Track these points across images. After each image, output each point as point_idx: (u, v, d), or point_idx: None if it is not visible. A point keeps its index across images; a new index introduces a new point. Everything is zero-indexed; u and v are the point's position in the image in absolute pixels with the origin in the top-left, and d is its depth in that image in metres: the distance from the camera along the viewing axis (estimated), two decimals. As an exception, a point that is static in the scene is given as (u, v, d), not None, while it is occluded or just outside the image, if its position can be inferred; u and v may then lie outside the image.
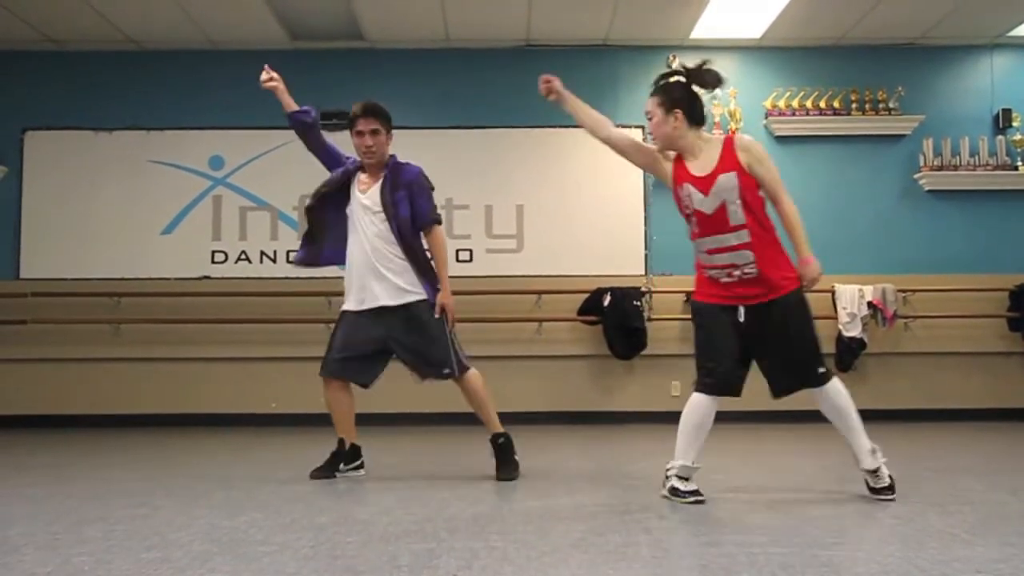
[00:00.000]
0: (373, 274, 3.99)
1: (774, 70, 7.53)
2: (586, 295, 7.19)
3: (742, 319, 3.27)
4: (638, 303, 7.10)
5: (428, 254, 4.09)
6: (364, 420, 4.28)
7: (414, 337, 4.01)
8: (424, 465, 4.34)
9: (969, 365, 7.24)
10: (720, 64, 8.30)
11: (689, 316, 6.99)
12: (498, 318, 7.10)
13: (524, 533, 2.77)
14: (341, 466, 4.13)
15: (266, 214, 7.36)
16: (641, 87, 7.46)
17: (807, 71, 7.46)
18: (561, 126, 7.33)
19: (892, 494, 3.27)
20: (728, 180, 3.23)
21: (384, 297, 3.98)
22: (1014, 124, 7.37)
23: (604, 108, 7.20)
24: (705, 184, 3.26)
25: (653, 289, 7.25)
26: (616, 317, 7.08)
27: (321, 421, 7.09)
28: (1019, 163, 7.35)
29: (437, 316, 3.99)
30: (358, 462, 4.19)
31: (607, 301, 7.11)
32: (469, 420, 4.38)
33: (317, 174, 4.19)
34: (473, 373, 4.09)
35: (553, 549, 2.54)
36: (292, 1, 6.68)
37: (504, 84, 7.41)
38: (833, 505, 3.21)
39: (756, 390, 3.40)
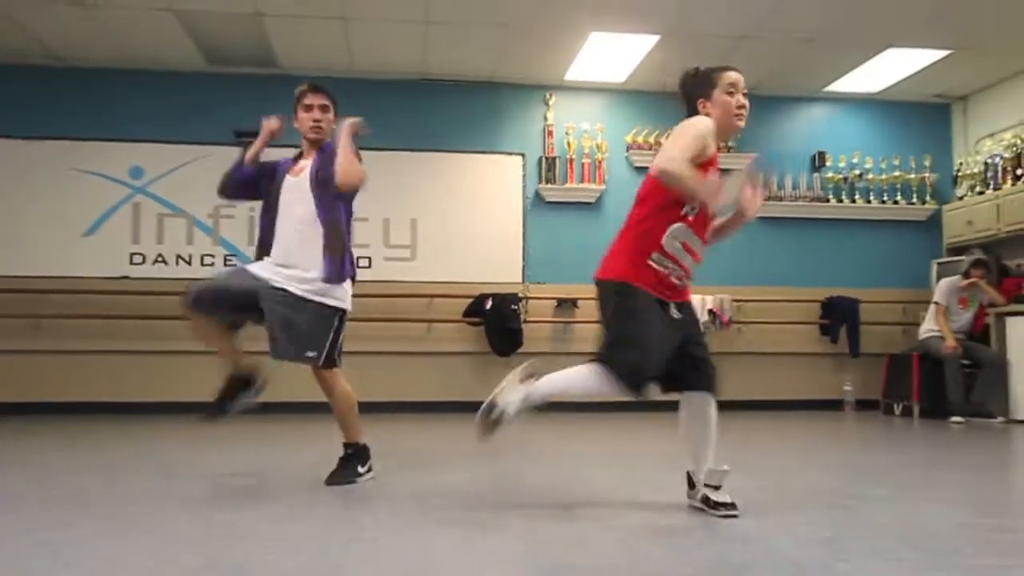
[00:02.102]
0: (294, 258, 3.66)
1: (635, 110, 8.45)
2: (471, 299, 7.80)
3: (676, 316, 3.01)
4: (515, 307, 7.68)
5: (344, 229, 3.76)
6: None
7: (290, 312, 3.59)
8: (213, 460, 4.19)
9: (789, 363, 8.33)
10: (590, 102, 9.23)
11: (560, 319, 7.86)
12: (393, 318, 7.71)
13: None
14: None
15: (182, 221, 7.86)
16: (521, 119, 8.36)
17: (662, 112, 8.23)
18: (452, 151, 8.18)
19: (736, 510, 2.95)
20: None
21: (291, 284, 3.61)
22: (827, 164, 8.71)
23: (489, 137, 8.35)
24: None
25: (528, 295, 7.95)
26: (496, 319, 7.65)
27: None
28: (830, 196, 8.67)
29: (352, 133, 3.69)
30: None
31: (489, 305, 7.69)
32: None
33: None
34: (340, 373, 3.69)
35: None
36: (208, 27, 7.05)
37: (403, 112, 7.99)
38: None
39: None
